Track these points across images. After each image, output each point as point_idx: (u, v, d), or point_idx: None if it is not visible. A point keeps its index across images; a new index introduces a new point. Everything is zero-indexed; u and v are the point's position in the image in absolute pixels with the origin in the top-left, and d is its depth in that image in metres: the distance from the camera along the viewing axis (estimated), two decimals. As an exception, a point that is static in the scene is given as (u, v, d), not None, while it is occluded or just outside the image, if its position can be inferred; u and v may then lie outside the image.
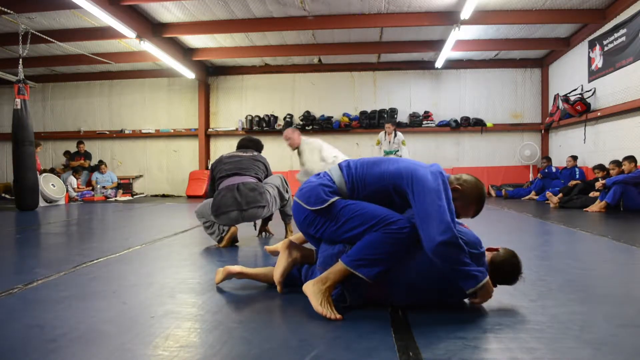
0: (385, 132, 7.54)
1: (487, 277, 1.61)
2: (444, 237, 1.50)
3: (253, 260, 2.83)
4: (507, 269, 1.73)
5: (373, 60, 9.90)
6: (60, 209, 6.85)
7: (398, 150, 7.46)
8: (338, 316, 1.58)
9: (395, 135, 7.45)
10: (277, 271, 1.91)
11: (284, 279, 1.90)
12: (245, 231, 3.79)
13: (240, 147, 3.78)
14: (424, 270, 1.64)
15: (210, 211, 3.18)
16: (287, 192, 3.53)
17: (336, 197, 1.75)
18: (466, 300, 1.77)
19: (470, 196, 1.75)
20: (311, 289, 1.67)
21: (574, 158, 7.81)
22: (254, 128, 10.03)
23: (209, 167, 10.10)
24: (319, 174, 1.90)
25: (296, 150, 5.29)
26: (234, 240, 3.32)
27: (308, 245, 2.08)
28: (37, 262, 2.77)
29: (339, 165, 1.86)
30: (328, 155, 5.06)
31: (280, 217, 3.68)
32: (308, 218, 1.79)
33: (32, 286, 2.10)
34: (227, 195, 3.12)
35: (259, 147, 3.82)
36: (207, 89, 10.43)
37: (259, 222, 3.79)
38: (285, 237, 3.56)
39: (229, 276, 2.04)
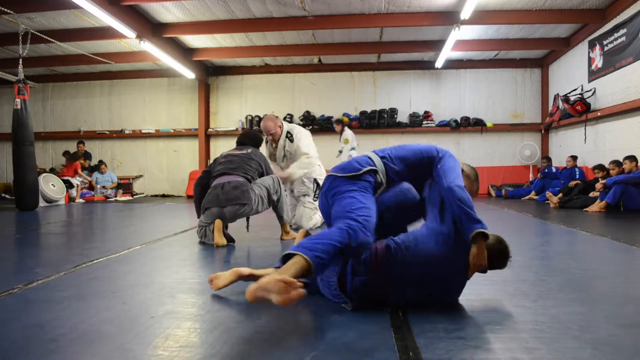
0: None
1: (488, 231, 1.64)
2: (461, 183, 1.75)
3: (252, 259, 2.82)
4: (494, 253, 1.71)
5: (373, 60, 9.90)
6: (60, 209, 6.85)
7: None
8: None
9: (341, 134, 7.44)
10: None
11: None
12: (249, 231, 3.79)
13: (239, 143, 3.77)
14: (425, 267, 1.65)
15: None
16: (276, 193, 3.50)
17: (369, 167, 1.88)
18: (459, 300, 1.77)
19: (472, 176, 2.03)
20: (265, 281, 1.36)
21: (574, 158, 7.81)
22: (254, 128, 10.02)
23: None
24: (357, 160, 1.98)
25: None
26: (230, 240, 3.33)
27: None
28: (37, 262, 2.77)
29: (373, 151, 2.03)
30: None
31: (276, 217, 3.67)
32: (332, 185, 1.87)
33: (32, 286, 2.09)
34: (212, 194, 3.33)
35: (257, 142, 3.81)
36: (207, 89, 10.43)
37: (261, 222, 3.79)
38: (281, 238, 3.57)
39: (239, 279, 1.92)
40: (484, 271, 1.69)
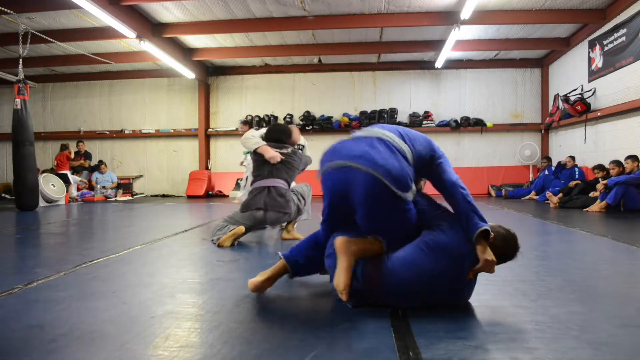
0: None
1: (488, 228, 1.62)
2: (459, 182, 1.74)
3: (253, 259, 2.82)
4: (505, 246, 1.70)
5: (373, 60, 9.90)
6: (60, 209, 6.85)
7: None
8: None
9: None
10: (340, 280, 1.61)
11: (348, 287, 1.63)
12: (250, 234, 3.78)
13: (274, 140, 3.57)
14: (426, 274, 1.63)
15: (240, 208, 3.45)
16: (305, 199, 3.61)
17: (413, 184, 1.67)
18: (470, 301, 1.77)
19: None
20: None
21: (573, 158, 7.84)
22: (254, 128, 10.03)
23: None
24: (385, 142, 1.68)
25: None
26: (231, 243, 3.32)
27: None
28: (37, 262, 2.77)
29: (394, 135, 1.73)
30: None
31: None
32: (382, 199, 1.60)
33: (32, 286, 2.09)
34: (258, 196, 3.39)
35: (290, 135, 3.67)
36: (207, 89, 10.43)
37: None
38: (282, 237, 3.57)
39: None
40: (492, 270, 1.63)
